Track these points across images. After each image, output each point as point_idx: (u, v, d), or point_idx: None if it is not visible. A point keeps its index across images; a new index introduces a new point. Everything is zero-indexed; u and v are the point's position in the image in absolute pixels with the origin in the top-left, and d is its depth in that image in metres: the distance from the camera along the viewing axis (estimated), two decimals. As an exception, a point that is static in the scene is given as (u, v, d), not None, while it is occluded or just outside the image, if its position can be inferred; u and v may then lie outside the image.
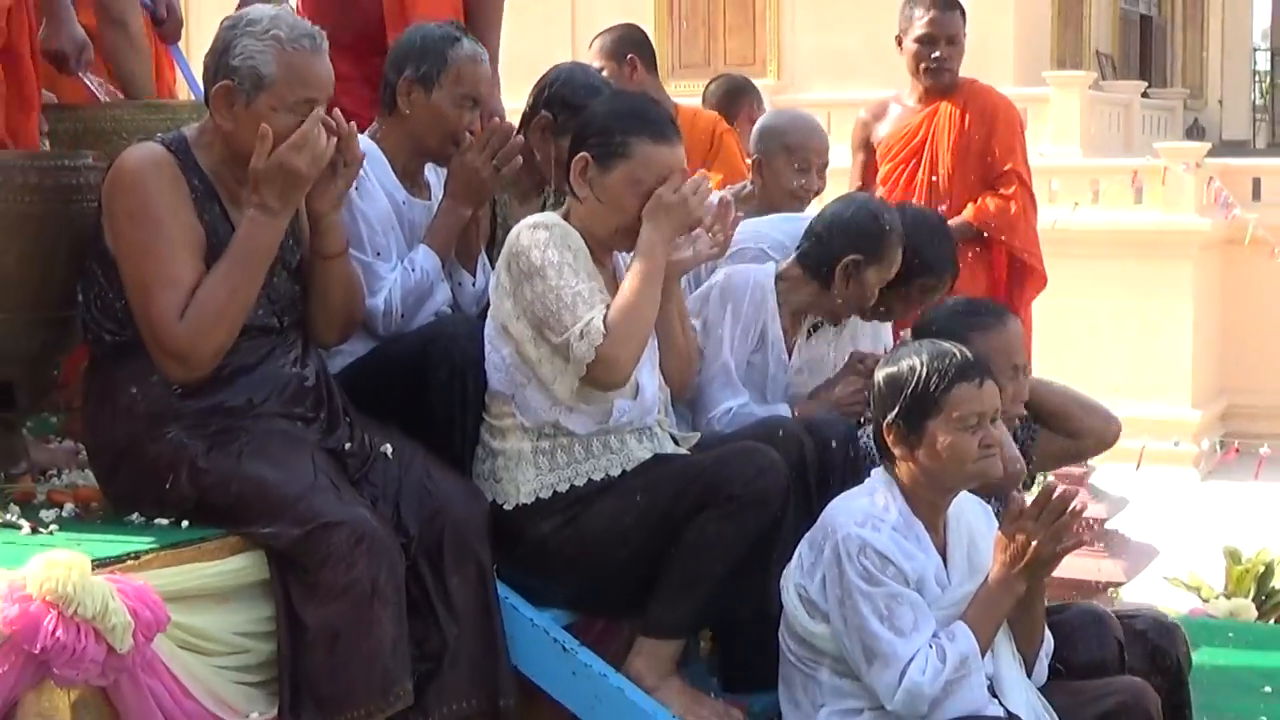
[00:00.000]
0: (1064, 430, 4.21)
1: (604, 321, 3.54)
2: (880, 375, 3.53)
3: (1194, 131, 25.45)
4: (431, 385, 3.74)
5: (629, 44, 6.00)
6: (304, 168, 3.38)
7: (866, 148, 6.37)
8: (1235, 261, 18.55)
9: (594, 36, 6.09)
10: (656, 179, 3.64)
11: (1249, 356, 18.92)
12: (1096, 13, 24.09)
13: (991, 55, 16.65)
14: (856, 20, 19.06)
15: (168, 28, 5.54)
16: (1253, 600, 8.23)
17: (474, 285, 4.11)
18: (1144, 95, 23.25)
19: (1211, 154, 19.23)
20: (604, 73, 5.62)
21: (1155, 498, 12.83)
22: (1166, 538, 10.17)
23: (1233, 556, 8.91)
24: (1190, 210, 18.18)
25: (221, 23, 3.49)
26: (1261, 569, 8.65)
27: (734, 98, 6.93)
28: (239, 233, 3.42)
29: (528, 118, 4.54)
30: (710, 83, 6.96)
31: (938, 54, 6.10)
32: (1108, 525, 8.94)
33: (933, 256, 4.40)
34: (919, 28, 6.11)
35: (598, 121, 3.71)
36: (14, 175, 3.49)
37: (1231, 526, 11.52)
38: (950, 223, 5.55)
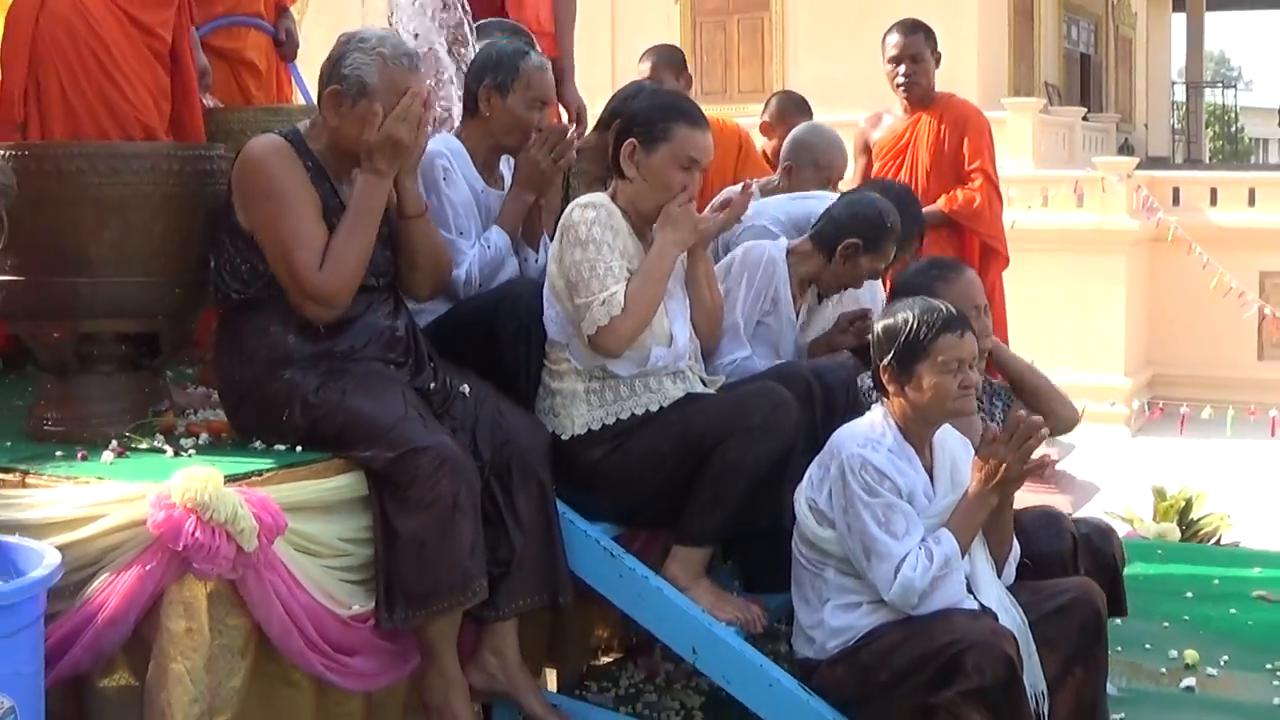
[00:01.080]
0: (1036, 408, 3.92)
1: (624, 296, 3.49)
2: (879, 325, 3.47)
3: (1124, 149, 25.20)
4: (501, 337, 3.71)
5: (680, 64, 6.02)
6: (406, 136, 3.38)
7: (865, 150, 6.30)
8: (1159, 256, 18.51)
9: (646, 50, 6.04)
10: (691, 158, 3.59)
11: (1171, 334, 18.89)
12: (1045, 51, 23.93)
13: (958, 85, 16.26)
14: (848, 54, 18.92)
15: (286, 48, 5.54)
16: (1176, 525, 8.20)
17: (536, 261, 4.05)
18: (1084, 119, 23.06)
19: (1139, 168, 19.18)
20: (661, 80, 5.62)
21: (1095, 449, 12.75)
22: (1104, 481, 10.13)
23: (1159, 494, 8.85)
24: (1122, 213, 18.14)
25: (339, 37, 3.48)
26: (1183, 503, 8.61)
27: (801, 110, 6.58)
28: (355, 193, 3.41)
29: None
30: (772, 97, 6.74)
31: (903, 69, 6.06)
32: (1058, 466, 8.91)
33: (903, 224, 4.33)
34: (889, 50, 6.10)
35: (642, 112, 3.66)
36: (160, 163, 3.49)
37: (1157, 471, 11.45)
38: (925, 210, 5.49)
